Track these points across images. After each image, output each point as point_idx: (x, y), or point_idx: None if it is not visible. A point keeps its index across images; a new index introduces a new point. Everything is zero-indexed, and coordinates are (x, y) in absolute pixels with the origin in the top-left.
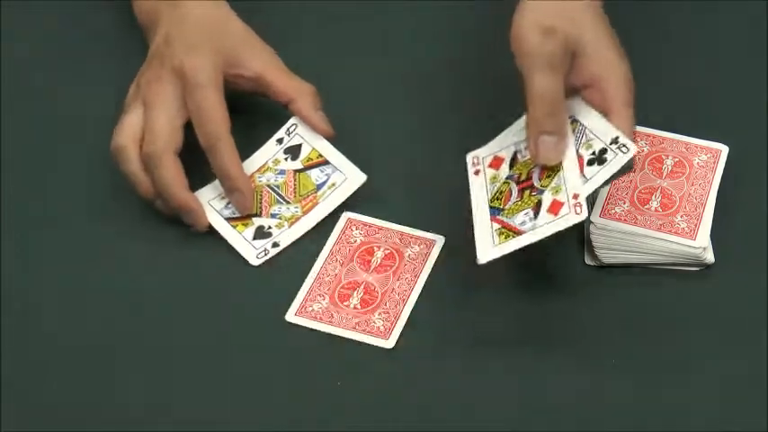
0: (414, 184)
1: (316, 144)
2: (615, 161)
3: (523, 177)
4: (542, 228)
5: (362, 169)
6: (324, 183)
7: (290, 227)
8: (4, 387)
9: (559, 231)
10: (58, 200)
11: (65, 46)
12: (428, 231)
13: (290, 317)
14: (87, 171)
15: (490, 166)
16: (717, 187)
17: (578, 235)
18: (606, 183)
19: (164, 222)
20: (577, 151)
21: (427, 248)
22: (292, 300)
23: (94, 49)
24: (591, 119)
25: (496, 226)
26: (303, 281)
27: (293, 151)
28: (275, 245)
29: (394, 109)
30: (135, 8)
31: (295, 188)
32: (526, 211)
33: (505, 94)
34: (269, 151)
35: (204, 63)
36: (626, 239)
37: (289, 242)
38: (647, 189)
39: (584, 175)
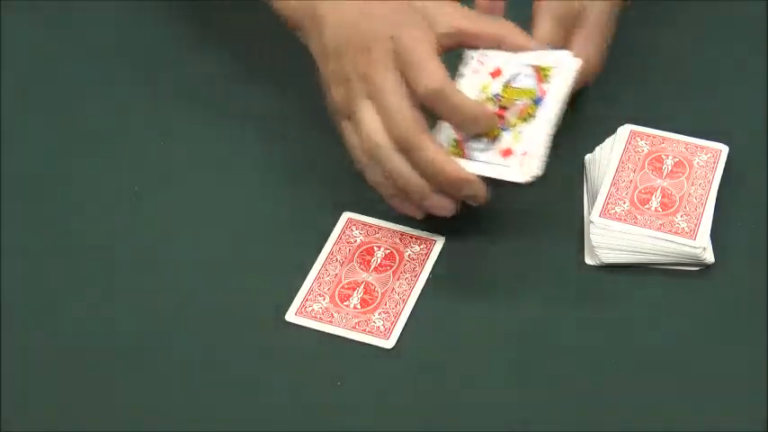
0: None
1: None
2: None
3: (504, 104)
4: (482, 164)
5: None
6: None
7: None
8: (5, 387)
9: (494, 179)
10: (58, 199)
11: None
12: (428, 231)
13: (290, 317)
14: (88, 171)
15: (490, 73)
16: (717, 187)
17: (578, 235)
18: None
19: (163, 221)
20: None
21: (427, 248)
22: (292, 300)
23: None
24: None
25: (453, 135)
26: (303, 281)
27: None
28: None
29: None
30: (280, 7)
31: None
32: (483, 139)
33: None
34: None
35: (419, 35)
36: (626, 239)
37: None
38: (647, 189)
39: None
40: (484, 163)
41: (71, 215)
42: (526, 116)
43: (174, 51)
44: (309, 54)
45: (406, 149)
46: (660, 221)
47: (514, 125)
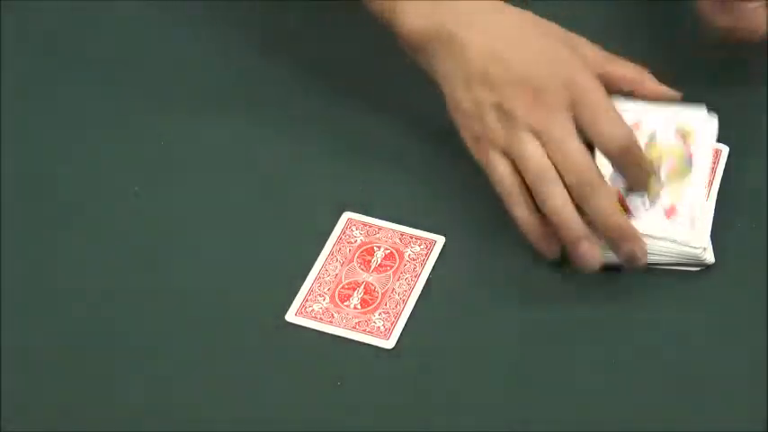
0: (414, 184)
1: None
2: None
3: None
4: (646, 223)
5: (363, 170)
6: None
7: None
8: (5, 387)
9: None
10: (58, 199)
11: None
12: (428, 231)
13: (290, 317)
14: (88, 171)
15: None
16: (717, 187)
17: None
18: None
19: (163, 221)
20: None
21: (427, 248)
22: (292, 300)
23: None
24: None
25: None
26: (303, 281)
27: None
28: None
29: (397, 108)
30: (398, 24)
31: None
32: (644, 194)
33: None
34: None
35: (593, 81)
36: None
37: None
38: None
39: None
40: (648, 221)
41: (71, 215)
42: (680, 174)
43: (175, 51)
44: (309, 55)
45: (582, 194)
46: None
47: (670, 183)
